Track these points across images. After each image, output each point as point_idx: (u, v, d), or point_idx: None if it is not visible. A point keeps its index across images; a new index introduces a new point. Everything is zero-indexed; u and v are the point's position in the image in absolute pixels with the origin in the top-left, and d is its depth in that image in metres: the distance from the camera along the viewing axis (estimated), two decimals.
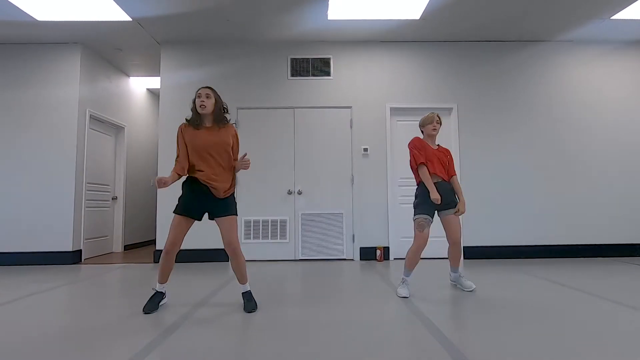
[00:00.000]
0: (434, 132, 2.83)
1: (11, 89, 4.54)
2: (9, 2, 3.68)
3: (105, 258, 4.93)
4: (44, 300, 2.70)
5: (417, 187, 2.84)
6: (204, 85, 2.43)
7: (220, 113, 2.39)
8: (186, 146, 2.34)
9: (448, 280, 3.26)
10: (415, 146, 2.81)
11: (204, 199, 2.33)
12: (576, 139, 4.66)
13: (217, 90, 2.44)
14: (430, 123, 2.82)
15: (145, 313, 2.29)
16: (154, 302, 2.36)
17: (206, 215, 2.41)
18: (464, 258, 4.50)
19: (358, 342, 1.81)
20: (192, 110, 2.38)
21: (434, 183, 2.75)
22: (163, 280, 2.39)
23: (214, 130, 2.36)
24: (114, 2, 3.78)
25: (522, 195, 4.58)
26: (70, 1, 3.71)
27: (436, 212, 2.78)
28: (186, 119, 2.41)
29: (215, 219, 2.36)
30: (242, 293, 2.45)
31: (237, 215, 2.39)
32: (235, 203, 2.44)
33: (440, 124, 2.85)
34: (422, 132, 2.90)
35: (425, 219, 2.69)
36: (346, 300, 2.62)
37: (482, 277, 3.44)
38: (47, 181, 4.45)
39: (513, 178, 4.60)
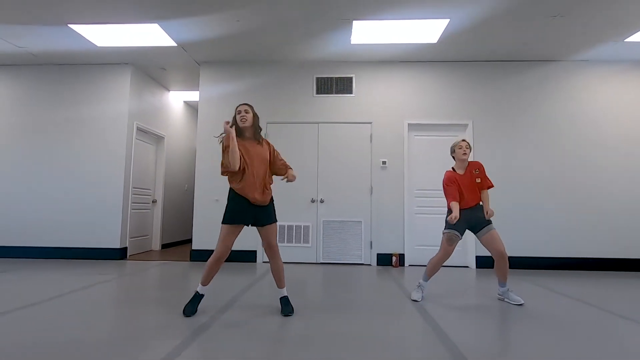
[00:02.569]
0: (464, 157, 2.95)
1: (72, 104, 5.18)
2: (76, 31, 4.28)
3: (146, 255, 5.49)
4: (105, 290, 3.20)
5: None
6: (242, 102, 2.68)
7: (258, 126, 2.63)
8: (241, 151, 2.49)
9: (466, 288, 3.54)
10: (447, 184, 2.95)
11: (250, 208, 2.53)
12: (590, 155, 4.81)
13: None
14: (459, 148, 2.97)
15: (186, 316, 2.46)
16: (194, 305, 2.53)
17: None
18: (478, 267, 4.74)
19: (374, 347, 2.17)
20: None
21: (465, 210, 2.92)
22: (207, 282, 2.54)
23: (255, 144, 2.59)
24: (162, 31, 4.31)
25: (536, 210, 4.77)
26: (124, 30, 4.27)
27: (474, 235, 2.95)
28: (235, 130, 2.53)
29: (260, 227, 2.57)
30: (280, 298, 2.65)
31: (277, 221, 2.65)
32: (275, 210, 2.66)
33: (470, 149, 2.99)
34: (454, 158, 3.05)
35: (456, 234, 2.89)
36: (363, 304, 2.97)
37: (495, 287, 3.70)
38: (101, 186, 5.05)
39: (527, 192, 4.80)
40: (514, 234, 4.76)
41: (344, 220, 4.91)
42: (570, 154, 4.83)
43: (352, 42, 4.49)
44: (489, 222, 2.94)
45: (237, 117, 2.56)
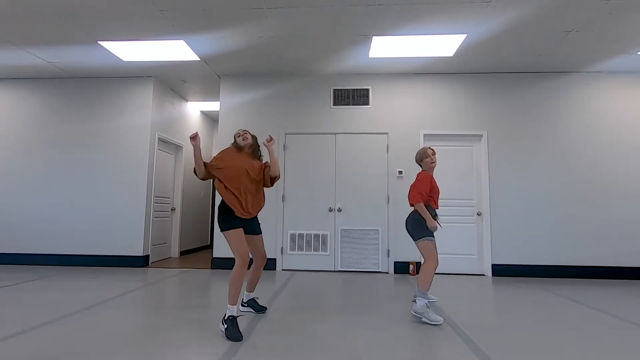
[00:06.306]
0: (432, 165, 2.93)
1: (97, 116, 5.36)
2: (105, 48, 4.45)
3: (166, 262, 5.61)
4: (141, 297, 3.33)
5: (412, 211, 2.91)
6: (241, 128, 2.87)
7: (257, 149, 2.82)
8: (219, 167, 2.62)
9: (479, 296, 3.62)
10: (422, 179, 2.87)
11: (238, 218, 2.62)
12: (604, 165, 4.89)
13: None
14: (427, 157, 2.93)
15: (237, 341, 2.27)
16: (237, 329, 2.31)
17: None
18: (493, 275, 4.81)
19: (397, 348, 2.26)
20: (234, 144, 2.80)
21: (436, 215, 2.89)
22: (236, 300, 2.39)
23: (252, 158, 2.75)
24: (186, 45, 4.46)
25: (549, 218, 4.84)
26: (150, 45, 4.43)
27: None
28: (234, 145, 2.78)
29: (251, 236, 2.74)
30: (251, 299, 2.93)
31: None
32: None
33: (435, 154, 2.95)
34: (421, 166, 2.99)
35: (433, 240, 2.83)
36: (384, 310, 3.07)
37: (513, 294, 3.78)
38: (125, 195, 5.20)
39: (541, 201, 4.88)
40: (531, 242, 4.82)
41: (362, 229, 5.01)
42: (586, 164, 4.91)
43: (370, 56, 4.62)
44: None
45: (238, 138, 2.77)
